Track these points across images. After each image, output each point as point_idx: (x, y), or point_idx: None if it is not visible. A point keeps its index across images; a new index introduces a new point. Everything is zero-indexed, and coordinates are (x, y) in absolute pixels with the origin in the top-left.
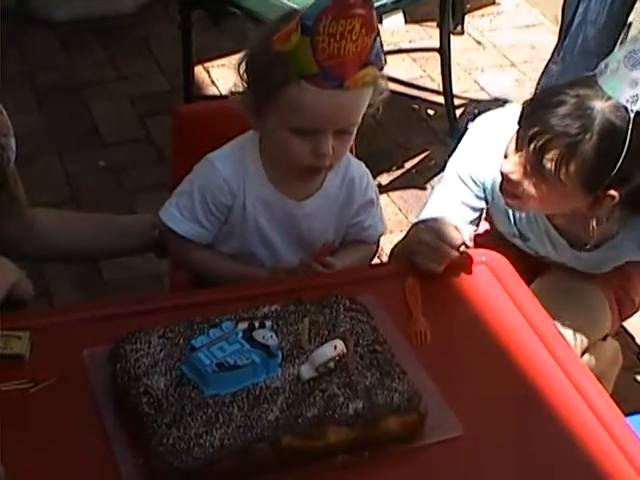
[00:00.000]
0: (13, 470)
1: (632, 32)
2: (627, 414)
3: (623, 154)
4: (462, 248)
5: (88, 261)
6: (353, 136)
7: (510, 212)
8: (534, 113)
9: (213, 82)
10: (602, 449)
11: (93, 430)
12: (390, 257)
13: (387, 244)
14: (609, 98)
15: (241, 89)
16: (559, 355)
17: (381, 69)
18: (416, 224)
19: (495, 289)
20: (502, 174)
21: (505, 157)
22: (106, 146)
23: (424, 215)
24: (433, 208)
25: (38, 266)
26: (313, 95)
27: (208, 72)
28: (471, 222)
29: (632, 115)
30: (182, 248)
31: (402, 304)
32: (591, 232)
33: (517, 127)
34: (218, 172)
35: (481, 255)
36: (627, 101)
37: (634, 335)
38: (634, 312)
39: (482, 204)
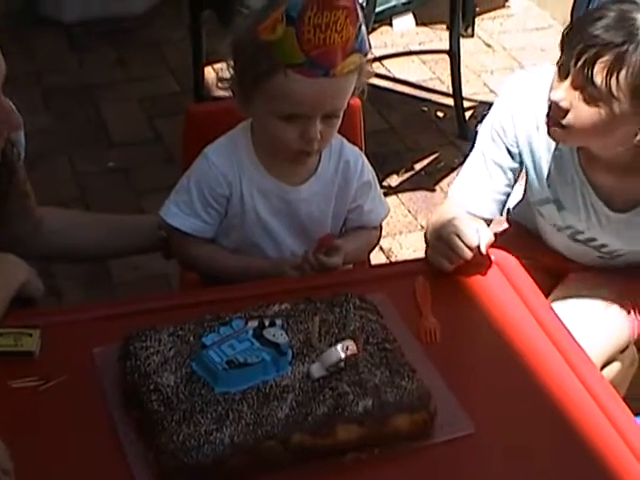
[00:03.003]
0: (23, 467)
1: None
2: (637, 414)
3: None
4: (476, 250)
5: (96, 260)
6: (340, 120)
7: (545, 171)
8: (576, 33)
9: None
10: (612, 448)
11: (103, 427)
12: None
13: (396, 245)
14: None
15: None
16: (568, 354)
17: (366, 54)
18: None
19: (504, 288)
20: (551, 103)
21: (550, 89)
22: (115, 147)
23: (457, 183)
24: (466, 174)
25: (47, 265)
26: (299, 83)
27: (218, 73)
28: (505, 185)
29: None
30: (185, 244)
31: (412, 303)
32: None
33: (560, 54)
34: (213, 164)
35: (491, 254)
36: None
37: None
38: None
39: (515, 164)
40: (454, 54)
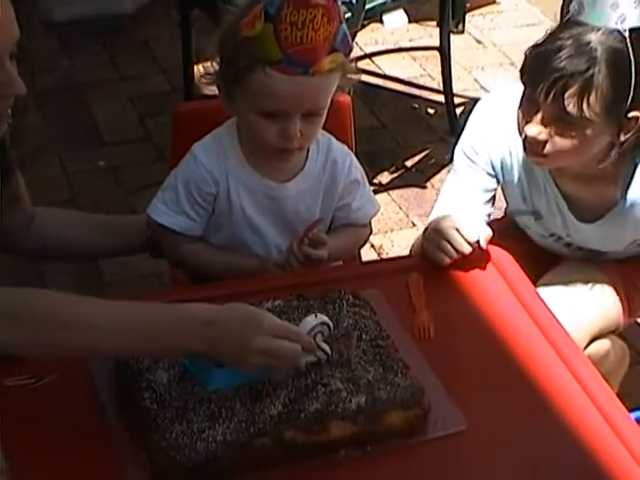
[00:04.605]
0: (15, 465)
1: None
2: (631, 409)
3: (633, 71)
4: (475, 245)
5: (86, 259)
6: (323, 118)
7: (519, 188)
8: (538, 68)
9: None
10: (605, 443)
11: (95, 425)
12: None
13: (387, 242)
14: (599, 29)
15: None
16: (562, 350)
17: (348, 54)
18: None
19: (499, 284)
20: (527, 139)
21: (522, 125)
22: (106, 146)
23: (438, 206)
24: (446, 197)
25: (37, 264)
26: (278, 80)
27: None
28: (485, 202)
29: (626, 34)
30: (173, 242)
31: (405, 299)
32: (609, 159)
33: (523, 90)
34: (199, 162)
35: (489, 255)
36: (616, 23)
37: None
38: None
39: (493, 183)
40: (444, 51)
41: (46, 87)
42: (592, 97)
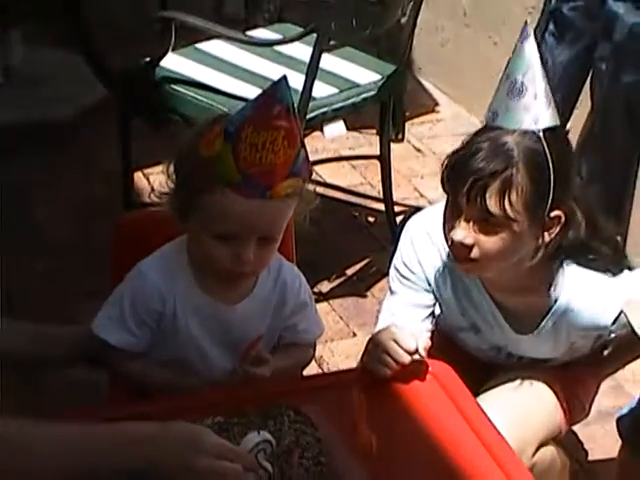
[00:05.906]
0: None
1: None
2: None
3: (552, 170)
4: (415, 356)
5: (21, 368)
6: (277, 244)
7: (458, 302)
8: (457, 173)
9: (153, 189)
10: None
11: None
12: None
13: (327, 352)
14: (514, 131)
15: (169, 190)
16: (506, 466)
17: (306, 180)
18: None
19: (441, 400)
20: (454, 245)
21: (448, 232)
22: (45, 253)
23: (378, 328)
24: (385, 319)
25: None
26: (234, 203)
27: (148, 179)
28: (425, 319)
29: (541, 134)
30: (114, 358)
31: (347, 414)
32: (535, 261)
33: (446, 199)
34: (147, 280)
35: (427, 365)
36: (530, 125)
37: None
38: (584, 417)
39: (431, 299)
40: (384, 159)
41: None
42: (513, 195)
